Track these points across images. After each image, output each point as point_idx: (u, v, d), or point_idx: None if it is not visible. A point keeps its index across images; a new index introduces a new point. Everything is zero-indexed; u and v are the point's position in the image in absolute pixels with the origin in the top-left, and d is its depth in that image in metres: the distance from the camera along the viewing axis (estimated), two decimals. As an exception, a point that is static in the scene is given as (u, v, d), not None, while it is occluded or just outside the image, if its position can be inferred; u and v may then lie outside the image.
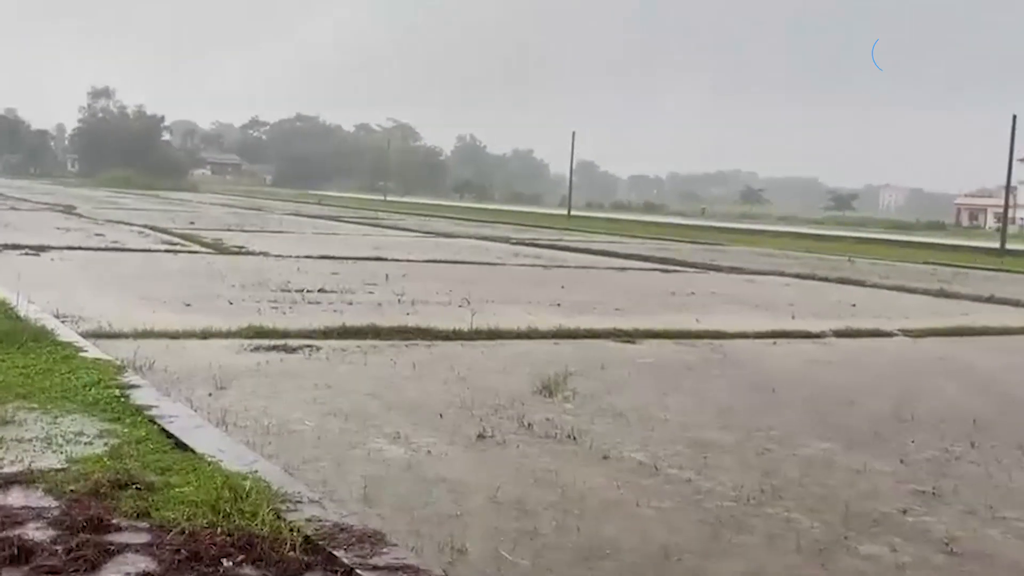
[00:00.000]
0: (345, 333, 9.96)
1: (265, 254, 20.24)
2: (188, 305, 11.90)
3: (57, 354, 6.87)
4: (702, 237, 42.15)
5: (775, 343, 11.21)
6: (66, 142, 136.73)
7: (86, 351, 7.11)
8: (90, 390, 5.93)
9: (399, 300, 13.35)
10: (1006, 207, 51.10)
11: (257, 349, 8.99)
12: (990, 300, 18.11)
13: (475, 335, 10.31)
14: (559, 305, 13.82)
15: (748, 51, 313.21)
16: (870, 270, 25.36)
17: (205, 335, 9.44)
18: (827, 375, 9.60)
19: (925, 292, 19.08)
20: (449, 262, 21.01)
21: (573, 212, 72.50)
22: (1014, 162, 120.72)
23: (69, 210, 36.41)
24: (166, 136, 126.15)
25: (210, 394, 7.00)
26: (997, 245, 45.28)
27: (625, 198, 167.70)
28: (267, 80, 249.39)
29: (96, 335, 8.81)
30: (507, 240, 31.31)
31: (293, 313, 11.64)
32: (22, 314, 8.41)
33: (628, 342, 10.60)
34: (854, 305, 16.01)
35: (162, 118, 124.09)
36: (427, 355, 9.24)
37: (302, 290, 13.96)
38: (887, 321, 13.69)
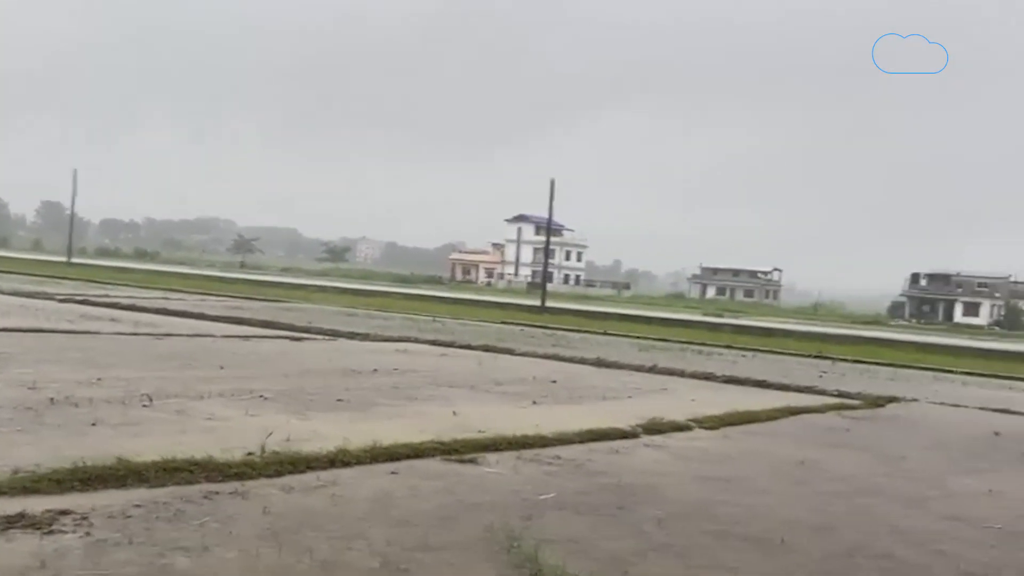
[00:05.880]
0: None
1: None
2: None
3: None
4: (241, 291, 37.19)
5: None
6: None
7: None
8: None
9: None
10: (544, 268, 53.52)
11: None
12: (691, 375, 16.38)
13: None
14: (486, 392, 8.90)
15: (225, 100, 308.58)
16: (465, 330, 23.19)
17: None
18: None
19: (639, 368, 16.71)
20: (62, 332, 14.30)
21: (69, 259, 62.91)
22: (501, 222, 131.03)
23: None
24: None
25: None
26: (532, 302, 46.64)
27: (98, 242, 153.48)
28: None
29: None
30: (50, 296, 23.83)
31: None
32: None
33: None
34: (651, 397, 13.14)
35: None
36: None
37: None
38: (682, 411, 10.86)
